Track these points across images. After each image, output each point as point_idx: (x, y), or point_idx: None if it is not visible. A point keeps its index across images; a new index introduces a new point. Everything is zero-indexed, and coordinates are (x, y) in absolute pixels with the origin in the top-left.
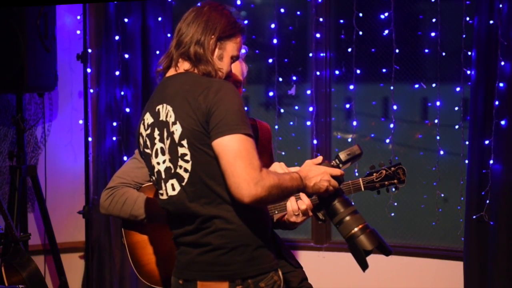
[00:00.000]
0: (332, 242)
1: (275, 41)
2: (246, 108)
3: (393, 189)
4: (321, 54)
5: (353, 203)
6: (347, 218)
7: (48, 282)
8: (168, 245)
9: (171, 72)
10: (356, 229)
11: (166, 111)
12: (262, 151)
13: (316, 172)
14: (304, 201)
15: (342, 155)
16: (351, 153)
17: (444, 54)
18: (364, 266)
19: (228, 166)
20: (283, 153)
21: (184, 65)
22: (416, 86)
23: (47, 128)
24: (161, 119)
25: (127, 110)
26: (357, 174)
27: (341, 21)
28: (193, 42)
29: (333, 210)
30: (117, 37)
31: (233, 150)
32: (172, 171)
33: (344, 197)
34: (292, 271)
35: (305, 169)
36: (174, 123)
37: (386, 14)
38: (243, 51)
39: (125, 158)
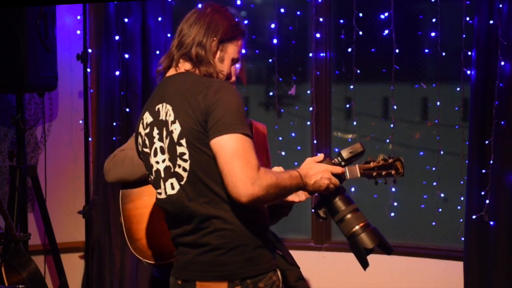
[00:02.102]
0: (332, 242)
1: (275, 41)
2: (245, 108)
3: (392, 181)
4: (321, 54)
5: (354, 201)
6: (348, 216)
7: (48, 282)
8: (162, 221)
9: (171, 72)
10: (357, 227)
11: (165, 110)
12: (257, 153)
13: (317, 170)
14: None
15: (344, 153)
16: (353, 150)
17: (444, 54)
18: (364, 264)
19: (226, 165)
20: (283, 153)
21: (185, 66)
22: (416, 86)
23: (47, 128)
24: (160, 118)
25: (127, 110)
26: None
27: (341, 21)
28: (195, 43)
29: (334, 208)
30: (117, 37)
31: (231, 149)
32: (172, 170)
33: (346, 195)
34: (288, 269)
35: (306, 167)
36: (173, 122)
37: (386, 14)
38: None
39: None
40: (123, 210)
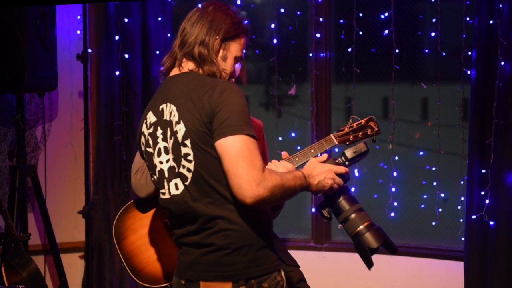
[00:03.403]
0: (332, 242)
1: (275, 41)
2: None
3: (372, 140)
4: (321, 54)
5: (358, 201)
6: (353, 215)
7: (48, 282)
8: (164, 245)
9: (174, 71)
10: (361, 226)
11: (170, 110)
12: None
13: (320, 170)
14: None
15: (348, 153)
16: (357, 150)
17: (444, 54)
18: (369, 264)
19: (231, 167)
20: (283, 153)
21: (188, 65)
22: (416, 86)
23: (47, 128)
24: (164, 118)
25: (127, 110)
26: (356, 174)
27: (341, 21)
28: (198, 42)
29: (339, 208)
30: (117, 37)
31: (236, 150)
32: (176, 170)
33: (350, 194)
34: (290, 270)
35: (309, 167)
36: (177, 123)
37: (386, 14)
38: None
39: (125, 158)
40: (120, 248)
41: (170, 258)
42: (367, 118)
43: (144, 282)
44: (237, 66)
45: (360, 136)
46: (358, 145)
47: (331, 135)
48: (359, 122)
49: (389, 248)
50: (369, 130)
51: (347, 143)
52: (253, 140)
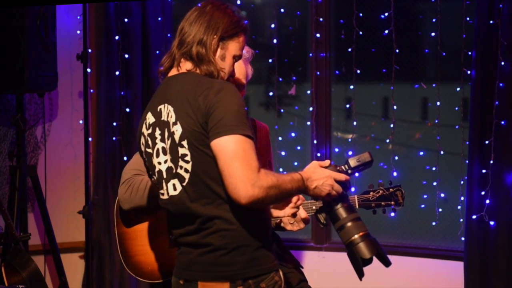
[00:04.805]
0: (332, 242)
1: (275, 41)
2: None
3: (391, 213)
4: (321, 54)
5: (356, 210)
6: (349, 224)
7: (48, 282)
8: (159, 241)
9: (173, 72)
10: (356, 236)
11: (167, 111)
12: (260, 152)
13: (320, 175)
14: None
15: (352, 161)
16: (361, 159)
17: (444, 54)
18: (360, 274)
19: (226, 167)
20: (283, 153)
21: (186, 65)
22: (416, 86)
23: (47, 128)
24: (162, 119)
25: (127, 110)
26: (356, 174)
27: (341, 21)
28: (196, 42)
29: (335, 215)
30: (117, 37)
31: (231, 150)
32: (173, 171)
33: (348, 203)
34: (290, 272)
35: (309, 170)
36: (174, 123)
37: (386, 14)
38: (247, 54)
39: (125, 158)
40: (117, 223)
41: (161, 258)
42: (396, 187)
43: (129, 269)
44: (250, 71)
45: (382, 204)
46: (363, 155)
47: (355, 196)
48: (386, 190)
49: (382, 260)
50: (393, 202)
51: (367, 209)
52: (248, 140)
